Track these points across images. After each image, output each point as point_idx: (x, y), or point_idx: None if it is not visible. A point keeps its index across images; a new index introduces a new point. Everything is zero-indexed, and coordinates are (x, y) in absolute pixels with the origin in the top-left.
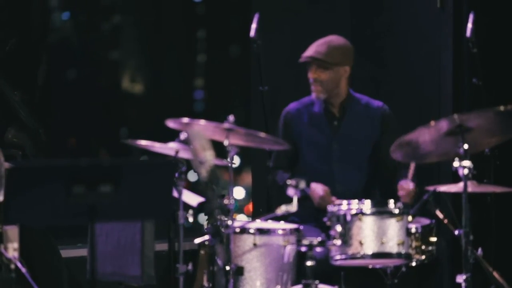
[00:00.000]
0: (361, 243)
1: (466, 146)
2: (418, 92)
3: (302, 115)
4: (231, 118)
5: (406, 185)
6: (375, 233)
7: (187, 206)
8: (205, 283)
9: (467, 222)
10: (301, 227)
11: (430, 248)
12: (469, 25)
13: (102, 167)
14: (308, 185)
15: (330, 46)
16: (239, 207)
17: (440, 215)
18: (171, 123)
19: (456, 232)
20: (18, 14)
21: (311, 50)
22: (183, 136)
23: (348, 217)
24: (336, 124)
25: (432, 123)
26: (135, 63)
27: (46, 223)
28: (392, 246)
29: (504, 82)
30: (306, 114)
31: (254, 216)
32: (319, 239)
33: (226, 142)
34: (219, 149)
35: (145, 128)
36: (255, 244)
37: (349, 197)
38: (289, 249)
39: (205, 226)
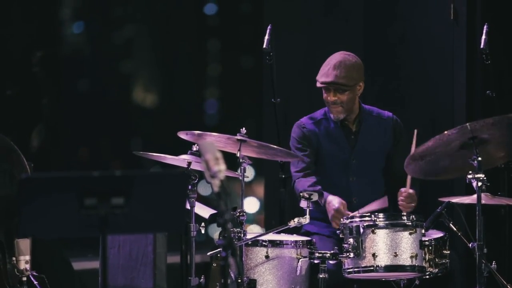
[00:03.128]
0: (374, 256)
1: (480, 158)
2: (431, 104)
3: (318, 130)
4: (243, 130)
5: (405, 190)
6: (388, 246)
7: (199, 219)
8: None
9: (481, 235)
10: (314, 239)
11: (443, 261)
12: (483, 37)
13: (114, 179)
14: (320, 197)
15: (346, 67)
16: (253, 219)
17: (454, 228)
18: (183, 135)
19: (470, 245)
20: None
21: (330, 75)
22: (195, 148)
23: (361, 230)
24: (353, 138)
25: (446, 132)
26: (148, 75)
27: (58, 235)
28: (405, 258)
29: None
30: (323, 129)
31: (266, 228)
32: (332, 251)
33: (238, 154)
34: (231, 161)
35: (157, 140)
36: (267, 257)
37: None
38: (302, 262)
39: (216, 239)
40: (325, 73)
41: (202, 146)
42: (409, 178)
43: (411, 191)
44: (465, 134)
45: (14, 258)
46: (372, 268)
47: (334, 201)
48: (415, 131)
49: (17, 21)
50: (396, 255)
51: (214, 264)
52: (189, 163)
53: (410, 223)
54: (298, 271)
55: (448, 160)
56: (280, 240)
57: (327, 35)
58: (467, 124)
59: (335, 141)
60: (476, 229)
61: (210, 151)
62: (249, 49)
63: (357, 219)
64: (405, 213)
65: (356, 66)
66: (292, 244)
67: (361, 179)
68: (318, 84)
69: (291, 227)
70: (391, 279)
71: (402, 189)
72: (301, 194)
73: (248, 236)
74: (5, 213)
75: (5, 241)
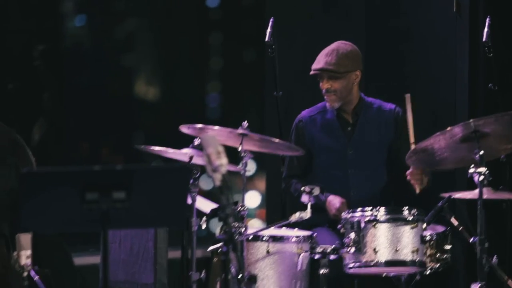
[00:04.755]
0: (375, 251)
1: (481, 152)
2: (434, 97)
3: (315, 122)
4: (245, 123)
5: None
6: (389, 241)
7: (200, 213)
8: None
9: (482, 229)
10: (315, 233)
11: (445, 255)
12: (485, 30)
13: (115, 173)
14: (322, 191)
15: (338, 54)
16: (254, 213)
17: (455, 222)
18: (185, 129)
19: (471, 240)
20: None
21: (321, 62)
22: (197, 141)
23: (362, 224)
24: (349, 130)
25: (448, 128)
26: (149, 68)
27: (59, 230)
28: (407, 253)
29: None
30: (319, 120)
31: (268, 222)
32: (333, 246)
33: (240, 148)
34: (233, 155)
35: (159, 134)
36: (268, 252)
37: (364, 203)
38: (303, 257)
39: (218, 233)
40: (317, 60)
41: (204, 140)
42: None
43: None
44: (467, 129)
45: (15, 253)
46: (373, 263)
47: (334, 200)
48: (407, 96)
49: (18, 15)
50: (397, 250)
51: (215, 259)
52: (191, 157)
53: (411, 218)
54: (299, 266)
55: (449, 152)
56: (281, 235)
57: (329, 28)
58: (471, 121)
59: (331, 132)
60: (477, 224)
61: (212, 145)
62: (251, 42)
63: (358, 214)
64: (406, 208)
65: (351, 54)
66: (293, 239)
67: (360, 171)
68: (311, 72)
69: (292, 222)
70: (392, 274)
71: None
72: (302, 188)
73: (249, 231)
74: (11, 207)
75: (10, 236)
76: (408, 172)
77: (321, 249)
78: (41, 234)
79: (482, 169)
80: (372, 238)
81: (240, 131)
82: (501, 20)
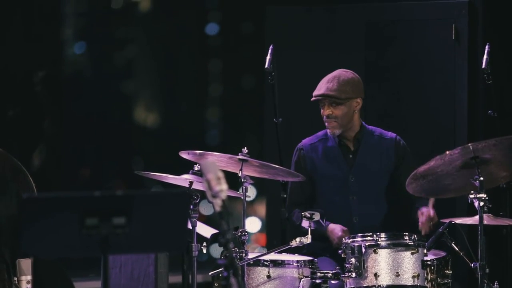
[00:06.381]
0: (376, 276)
1: (481, 178)
2: (433, 124)
3: (316, 150)
4: (245, 149)
5: (427, 212)
6: (390, 266)
7: (201, 238)
8: None
9: (483, 255)
10: (316, 259)
11: (445, 280)
12: (485, 57)
13: (115, 198)
14: (322, 217)
15: (340, 81)
16: (255, 238)
17: (456, 248)
18: (184, 155)
19: (472, 265)
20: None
21: (322, 88)
22: (196, 167)
23: (363, 249)
24: (351, 157)
25: (448, 152)
26: (149, 95)
27: (60, 255)
28: (407, 278)
29: None
30: (321, 148)
31: (268, 247)
32: (334, 271)
33: (240, 174)
34: (233, 181)
35: (159, 159)
36: (269, 276)
37: (367, 230)
38: (304, 282)
39: (219, 258)
40: (318, 87)
41: (204, 165)
42: (432, 199)
43: (432, 213)
44: (467, 154)
45: (15, 278)
46: None
47: (336, 229)
48: (431, 200)
49: (19, 42)
50: (398, 275)
51: (216, 284)
52: (191, 183)
53: (412, 243)
54: None
55: (449, 179)
56: (281, 260)
57: (329, 55)
58: (469, 144)
59: (333, 160)
60: (478, 249)
61: (211, 171)
62: (251, 69)
63: (359, 239)
64: (407, 233)
65: (352, 81)
66: (294, 264)
67: (361, 198)
68: (312, 98)
69: (292, 246)
70: None
71: (424, 210)
72: (302, 213)
73: (250, 256)
74: (12, 233)
75: (11, 261)
76: (422, 216)
77: (322, 274)
78: (42, 259)
79: (482, 195)
80: (373, 263)
81: (240, 157)
82: (500, 47)
